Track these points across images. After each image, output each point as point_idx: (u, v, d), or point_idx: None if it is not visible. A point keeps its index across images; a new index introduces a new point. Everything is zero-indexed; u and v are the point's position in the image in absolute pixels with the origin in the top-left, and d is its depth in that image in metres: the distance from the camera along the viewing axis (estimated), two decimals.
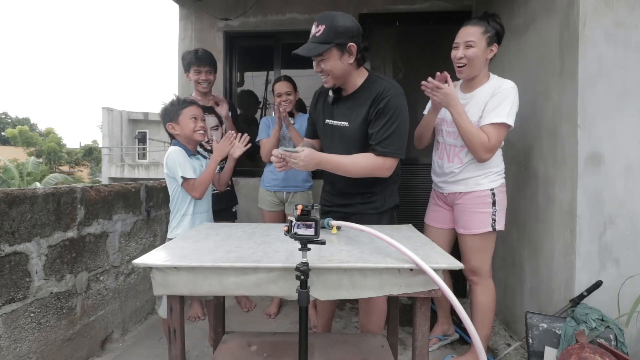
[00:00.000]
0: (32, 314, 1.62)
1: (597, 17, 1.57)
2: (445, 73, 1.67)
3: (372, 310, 1.69)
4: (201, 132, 1.79)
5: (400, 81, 3.08)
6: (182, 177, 1.71)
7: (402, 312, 2.44)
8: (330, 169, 1.47)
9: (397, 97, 1.45)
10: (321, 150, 1.61)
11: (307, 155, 1.36)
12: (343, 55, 1.42)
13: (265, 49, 3.25)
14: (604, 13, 1.57)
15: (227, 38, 3.19)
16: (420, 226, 1.79)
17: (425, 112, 1.91)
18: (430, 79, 1.66)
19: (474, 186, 1.73)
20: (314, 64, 1.45)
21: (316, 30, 1.38)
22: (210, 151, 2.26)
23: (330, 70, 1.44)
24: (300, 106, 2.58)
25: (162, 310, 1.72)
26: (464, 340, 2.15)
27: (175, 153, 1.74)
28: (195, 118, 1.78)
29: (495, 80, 1.69)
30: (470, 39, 1.60)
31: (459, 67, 1.67)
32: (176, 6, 3.27)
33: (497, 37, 1.63)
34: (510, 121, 1.59)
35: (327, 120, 1.59)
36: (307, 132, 1.81)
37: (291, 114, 2.37)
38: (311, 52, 1.39)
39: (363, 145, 1.51)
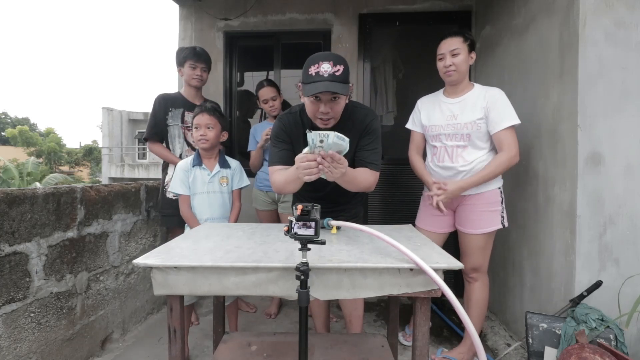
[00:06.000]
0: (32, 314, 1.62)
1: (597, 17, 1.57)
2: (441, 183, 1.79)
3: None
4: (201, 140, 1.88)
5: (400, 81, 3.12)
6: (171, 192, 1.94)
7: (402, 312, 2.44)
8: (348, 179, 1.40)
9: (377, 120, 1.56)
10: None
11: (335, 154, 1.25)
12: (347, 96, 1.44)
13: (265, 49, 3.25)
14: (604, 13, 1.57)
15: (227, 38, 3.19)
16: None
17: (410, 126, 2.00)
18: (433, 198, 1.79)
19: (485, 187, 1.77)
20: (322, 105, 1.38)
21: (335, 69, 1.33)
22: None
23: (338, 111, 1.43)
24: (286, 108, 2.67)
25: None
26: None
27: (179, 166, 1.92)
28: (197, 127, 1.88)
29: (481, 87, 1.81)
30: (455, 47, 1.74)
31: (448, 73, 1.79)
32: (176, 6, 3.27)
33: (473, 46, 1.78)
34: (517, 119, 1.72)
35: None
36: (280, 159, 1.53)
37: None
38: (344, 91, 1.34)
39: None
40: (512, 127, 1.72)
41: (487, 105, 1.74)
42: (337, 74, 1.33)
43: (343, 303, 1.79)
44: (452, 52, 1.75)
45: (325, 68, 1.32)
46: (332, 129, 1.47)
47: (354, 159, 1.54)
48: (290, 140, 1.55)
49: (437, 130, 1.85)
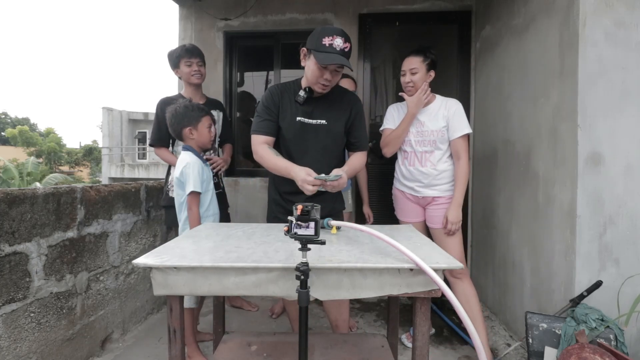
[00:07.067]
0: (32, 314, 1.62)
1: (597, 17, 1.57)
2: (445, 222, 1.94)
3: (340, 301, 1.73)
4: (212, 140, 1.91)
5: (400, 81, 3.11)
6: (193, 191, 1.73)
7: (402, 312, 2.45)
8: (351, 175, 1.68)
9: (360, 102, 1.77)
10: (276, 147, 1.67)
11: (344, 180, 1.53)
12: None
13: (265, 49, 3.25)
14: (604, 13, 1.57)
15: (227, 38, 3.19)
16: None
17: (388, 126, 2.07)
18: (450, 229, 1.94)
19: (445, 192, 1.96)
20: (328, 73, 1.53)
21: (345, 45, 1.49)
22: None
23: (337, 81, 1.61)
24: None
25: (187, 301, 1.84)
26: (461, 338, 2.15)
27: (193, 165, 1.76)
28: (210, 128, 1.87)
29: (442, 98, 1.99)
30: (414, 67, 1.92)
31: (407, 89, 1.96)
32: (176, 6, 3.27)
33: (433, 65, 1.93)
34: (470, 129, 1.93)
35: (299, 118, 1.64)
36: (265, 129, 1.63)
37: None
38: (351, 66, 1.53)
39: (337, 140, 1.70)
40: (467, 135, 1.91)
41: (448, 114, 1.92)
42: (346, 50, 1.50)
43: (328, 309, 1.78)
44: (411, 71, 1.91)
45: (338, 42, 1.48)
46: (321, 98, 1.64)
47: (348, 131, 1.71)
48: (277, 111, 1.65)
49: (408, 136, 2.00)
